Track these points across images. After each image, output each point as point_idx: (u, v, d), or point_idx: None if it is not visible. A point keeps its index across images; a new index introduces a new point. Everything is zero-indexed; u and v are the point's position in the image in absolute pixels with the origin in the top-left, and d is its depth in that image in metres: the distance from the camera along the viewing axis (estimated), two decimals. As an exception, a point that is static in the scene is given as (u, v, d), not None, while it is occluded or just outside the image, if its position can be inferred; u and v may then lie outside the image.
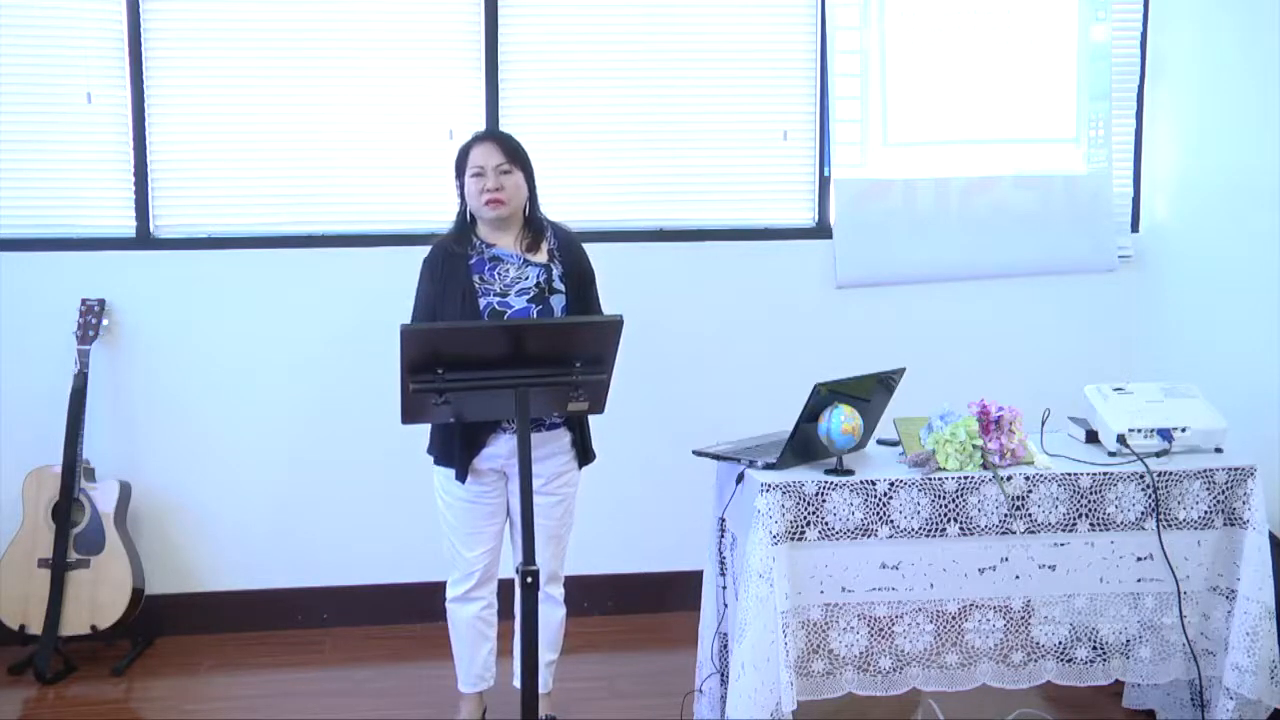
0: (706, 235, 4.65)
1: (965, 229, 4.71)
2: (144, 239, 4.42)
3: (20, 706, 4.01)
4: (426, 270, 3.52)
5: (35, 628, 4.18)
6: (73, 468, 4.21)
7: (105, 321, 4.33)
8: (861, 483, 3.18)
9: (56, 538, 4.20)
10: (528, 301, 3.44)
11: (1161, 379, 3.71)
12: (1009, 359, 4.75)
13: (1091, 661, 3.35)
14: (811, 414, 3.19)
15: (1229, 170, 4.43)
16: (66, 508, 4.21)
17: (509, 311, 3.43)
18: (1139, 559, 3.29)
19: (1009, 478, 3.22)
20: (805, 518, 3.15)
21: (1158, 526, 3.27)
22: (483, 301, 3.43)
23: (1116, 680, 3.40)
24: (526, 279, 3.47)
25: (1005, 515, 3.22)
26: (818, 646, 3.23)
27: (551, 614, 3.63)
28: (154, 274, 4.42)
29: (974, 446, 3.23)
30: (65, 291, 4.34)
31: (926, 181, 4.68)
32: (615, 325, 2.98)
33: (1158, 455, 3.34)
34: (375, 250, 4.47)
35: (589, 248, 3.62)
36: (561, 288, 3.49)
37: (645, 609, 4.65)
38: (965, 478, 3.21)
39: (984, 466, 3.23)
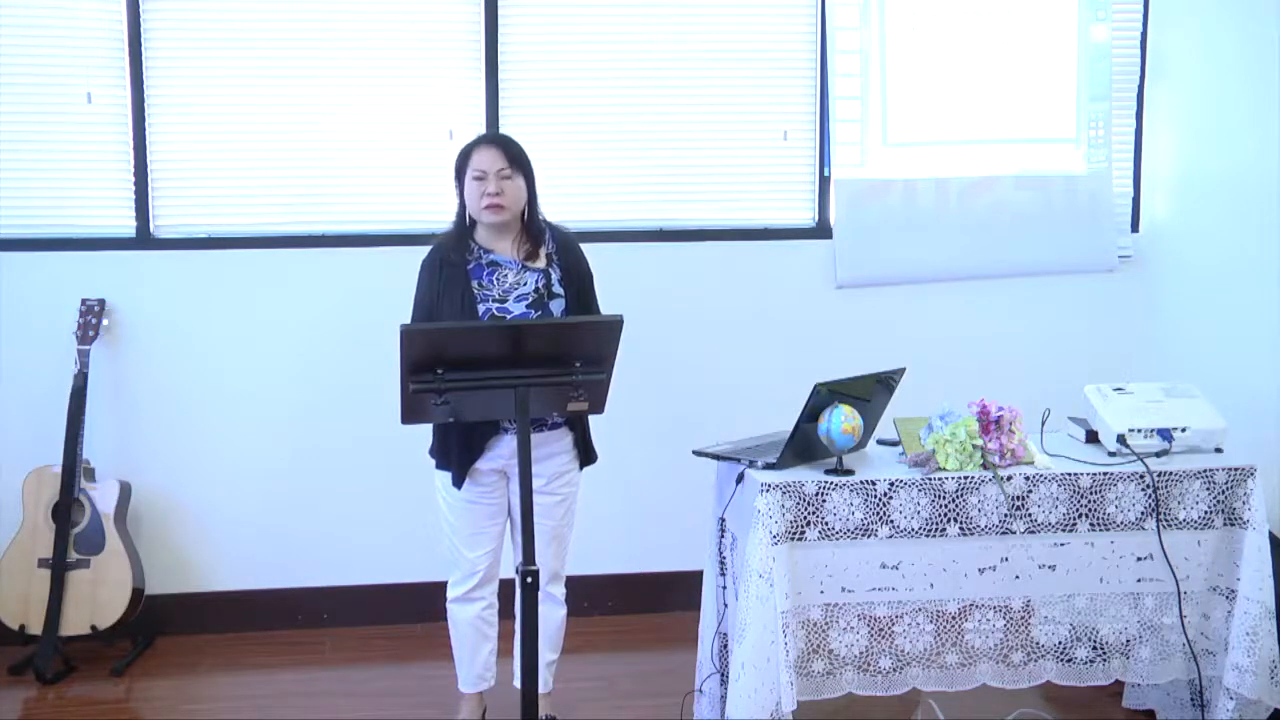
0: (706, 235, 4.65)
1: (965, 229, 4.71)
2: (144, 239, 4.42)
3: (20, 706, 4.01)
4: (425, 272, 3.52)
5: (35, 628, 4.18)
6: (73, 468, 4.21)
7: (105, 321, 4.33)
8: (861, 483, 3.18)
9: (56, 538, 4.20)
10: (527, 307, 3.44)
11: (1161, 379, 3.70)
12: (1009, 359, 4.75)
13: (1091, 661, 3.35)
14: (811, 414, 3.19)
15: (1229, 170, 4.43)
16: (66, 508, 4.21)
17: (508, 317, 3.43)
18: (1139, 559, 3.29)
19: (1009, 478, 3.22)
20: (805, 518, 3.15)
21: (1158, 526, 3.27)
22: (481, 308, 3.42)
23: (1116, 680, 3.40)
24: (525, 284, 3.46)
25: (1005, 515, 3.22)
26: (818, 646, 3.23)
27: (552, 614, 3.63)
28: (154, 274, 4.42)
29: (974, 446, 3.22)
30: (65, 291, 4.34)
31: (926, 181, 4.68)
32: (615, 325, 2.97)
33: (1158, 455, 3.34)
34: (375, 250, 4.47)
35: (589, 248, 3.62)
36: (560, 291, 3.49)
37: (645, 609, 4.65)
38: (965, 478, 3.21)
39: (984, 466, 3.23)
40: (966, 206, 4.71)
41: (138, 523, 4.44)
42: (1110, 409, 3.43)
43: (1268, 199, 4.17)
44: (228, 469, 4.50)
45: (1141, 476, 3.27)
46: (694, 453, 3.49)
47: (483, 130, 4.37)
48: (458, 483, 3.49)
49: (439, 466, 3.56)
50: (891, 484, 3.19)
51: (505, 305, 3.44)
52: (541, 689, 3.41)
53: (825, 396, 3.19)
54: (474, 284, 3.44)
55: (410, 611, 4.53)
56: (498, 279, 3.46)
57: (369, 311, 4.36)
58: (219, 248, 4.46)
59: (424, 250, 3.56)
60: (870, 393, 3.35)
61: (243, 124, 4.42)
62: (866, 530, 3.18)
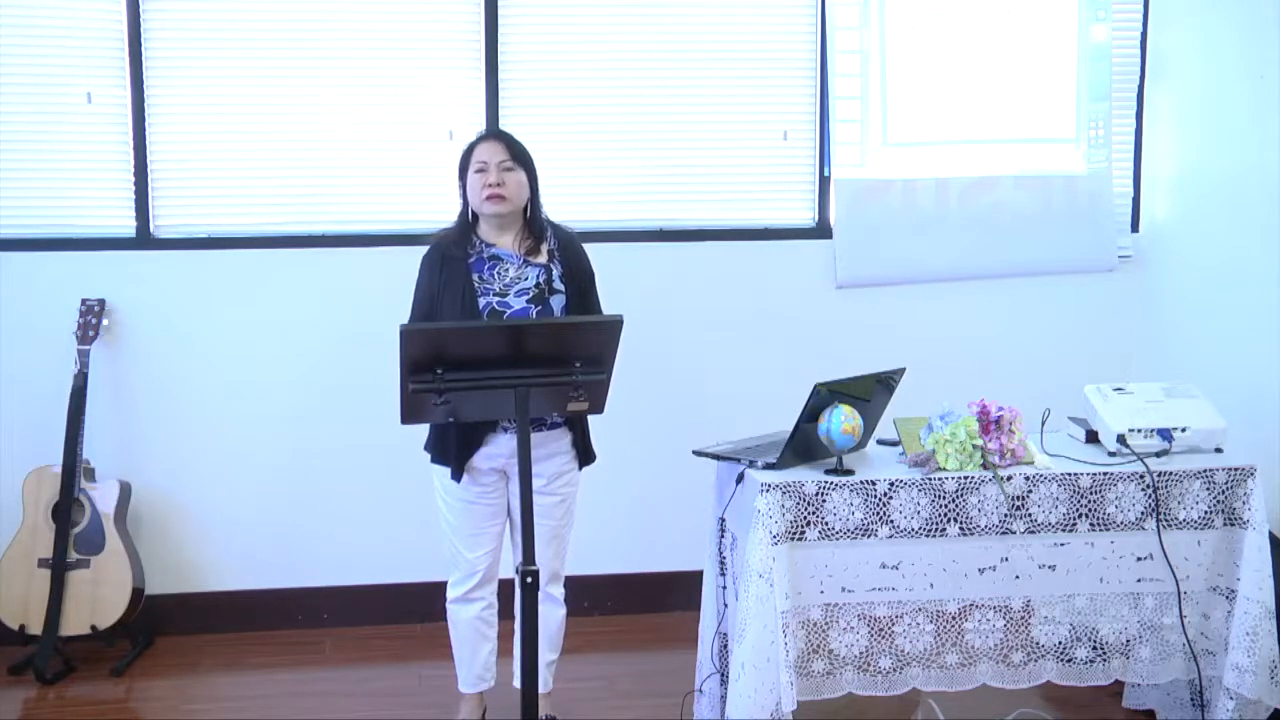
0: (706, 235, 4.65)
1: (965, 229, 4.71)
2: (144, 239, 4.42)
3: (20, 706, 4.01)
4: (425, 268, 3.52)
5: (35, 628, 4.18)
6: (73, 468, 4.21)
7: (105, 321, 4.33)
8: (861, 483, 3.18)
9: (56, 538, 4.20)
10: (527, 302, 3.44)
11: (1161, 379, 3.71)
12: (1009, 359, 4.75)
13: (1091, 661, 3.35)
14: (811, 414, 3.19)
15: (1229, 170, 4.43)
16: (66, 508, 4.21)
17: (508, 312, 3.43)
18: (1139, 559, 3.29)
19: (1009, 478, 3.22)
20: (805, 518, 3.15)
21: (1158, 526, 3.27)
22: (482, 301, 3.42)
23: (1116, 680, 3.40)
24: (526, 279, 3.47)
25: (1005, 515, 3.22)
26: (818, 646, 3.23)
27: (552, 614, 3.63)
28: (154, 274, 4.42)
29: (974, 446, 3.22)
30: (65, 291, 4.34)
31: (926, 181, 4.68)
32: (615, 325, 2.97)
33: (1158, 455, 3.34)
34: (375, 250, 4.47)
35: (589, 248, 3.62)
36: (561, 288, 3.49)
37: (645, 609, 4.64)
38: (965, 478, 3.21)
39: (984, 466, 3.23)
40: (966, 206, 4.71)
41: (138, 523, 4.44)
42: (1110, 409, 3.43)
43: (1268, 199, 4.17)
44: (228, 469, 4.50)
45: (1141, 476, 3.27)
46: (694, 453, 3.50)
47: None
48: (456, 476, 3.49)
49: (435, 461, 3.56)
50: (891, 484, 3.19)
51: (506, 300, 3.44)
52: (541, 689, 3.41)
53: (825, 396, 3.19)
54: (475, 278, 3.44)
55: (410, 611, 4.53)
56: (499, 273, 3.46)
57: (369, 311, 4.36)
58: (219, 248, 4.45)
59: (424, 250, 3.56)
60: (870, 393, 3.35)
61: (242, 124, 4.42)
62: (866, 530, 3.18)
